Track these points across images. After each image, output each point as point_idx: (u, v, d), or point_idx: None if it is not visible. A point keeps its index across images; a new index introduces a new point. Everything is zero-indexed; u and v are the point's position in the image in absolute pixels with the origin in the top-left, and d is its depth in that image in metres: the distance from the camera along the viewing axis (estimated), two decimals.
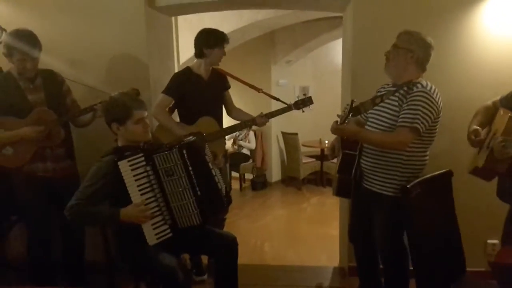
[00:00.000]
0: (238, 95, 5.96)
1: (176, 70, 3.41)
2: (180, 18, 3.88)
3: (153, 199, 2.03)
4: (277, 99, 2.92)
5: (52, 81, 2.55)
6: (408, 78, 2.05)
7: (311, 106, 2.86)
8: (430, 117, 1.99)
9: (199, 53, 2.81)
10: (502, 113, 2.00)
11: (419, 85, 2.02)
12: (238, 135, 6.33)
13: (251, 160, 6.30)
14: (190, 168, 2.06)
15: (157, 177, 2.03)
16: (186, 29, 4.10)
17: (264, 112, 2.81)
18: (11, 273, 2.93)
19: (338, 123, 2.02)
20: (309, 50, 6.29)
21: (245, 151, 6.30)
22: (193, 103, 2.78)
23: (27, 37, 2.36)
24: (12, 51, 2.33)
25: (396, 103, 2.06)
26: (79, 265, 2.72)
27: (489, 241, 2.77)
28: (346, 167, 2.24)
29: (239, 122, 2.90)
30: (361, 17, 2.70)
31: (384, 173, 2.14)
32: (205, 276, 2.98)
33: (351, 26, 2.74)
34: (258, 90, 3.00)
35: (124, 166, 1.96)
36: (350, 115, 1.96)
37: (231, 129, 2.86)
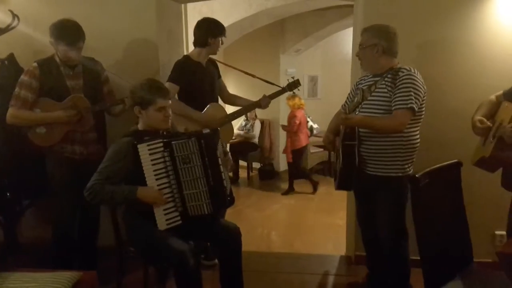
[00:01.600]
0: (234, 84, 6.00)
1: None
2: (190, 6, 3.87)
3: (167, 185, 2.08)
4: (271, 83, 3.06)
5: (92, 69, 2.64)
6: (385, 68, 2.19)
7: (299, 87, 3.08)
8: (420, 96, 2.12)
9: (202, 42, 2.85)
10: (506, 105, 2.05)
11: (404, 70, 2.15)
12: (245, 124, 6.34)
13: (259, 149, 6.31)
14: (206, 159, 2.11)
15: (174, 163, 2.07)
16: (196, 17, 4.09)
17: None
18: (23, 257, 2.99)
19: (347, 112, 2.05)
20: (319, 39, 6.24)
21: (253, 140, 6.32)
22: (197, 90, 2.84)
23: (72, 29, 2.46)
24: (58, 41, 2.43)
25: (386, 90, 2.16)
26: (93, 249, 2.78)
27: (497, 232, 2.77)
28: (348, 158, 2.28)
29: (241, 107, 3.04)
30: (372, 5, 2.68)
31: (387, 156, 2.22)
32: (215, 261, 3.01)
33: (362, 15, 2.71)
34: (253, 76, 3.15)
35: (143, 149, 2.01)
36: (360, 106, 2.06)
37: (238, 113, 3.01)
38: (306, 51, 6.56)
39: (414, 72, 2.14)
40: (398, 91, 2.11)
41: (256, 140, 6.29)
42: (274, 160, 6.50)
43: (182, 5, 3.42)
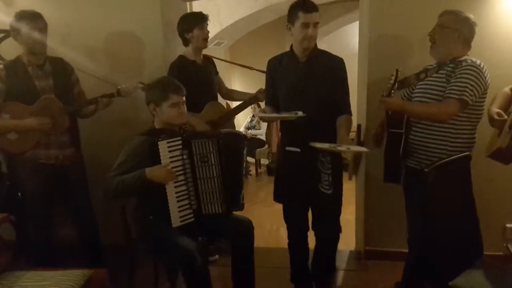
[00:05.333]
0: (239, 80, 5.98)
1: None
2: (195, 4, 3.87)
3: (183, 182, 2.10)
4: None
5: (61, 69, 2.56)
6: (454, 56, 2.05)
7: None
8: (478, 91, 1.97)
9: (184, 40, 2.82)
10: None
11: (468, 60, 2.01)
12: (251, 121, 6.34)
13: (266, 146, 6.31)
14: (224, 159, 2.13)
15: (191, 162, 2.10)
16: None
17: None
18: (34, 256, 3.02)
19: (384, 95, 2.00)
20: (325, 33, 6.19)
21: (261, 136, 6.33)
22: (195, 89, 2.79)
23: (31, 14, 2.38)
24: (19, 29, 2.35)
25: (444, 79, 2.04)
26: (96, 247, 2.77)
27: (508, 225, 2.74)
28: (393, 147, 2.16)
29: (241, 102, 3.01)
30: None
31: (432, 147, 2.09)
32: (216, 256, 3.03)
33: (368, 8, 2.69)
34: (250, 68, 3.13)
35: (163, 146, 2.03)
36: (396, 86, 1.95)
37: (238, 109, 2.97)
38: None
39: (479, 65, 1.99)
40: (456, 79, 1.98)
41: (263, 137, 6.29)
42: None
43: (188, 3, 3.41)
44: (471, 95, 1.95)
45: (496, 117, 2.04)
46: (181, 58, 2.84)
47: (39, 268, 2.01)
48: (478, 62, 2.01)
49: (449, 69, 2.04)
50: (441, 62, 2.09)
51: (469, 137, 2.09)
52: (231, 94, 3.16)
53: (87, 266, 2.26)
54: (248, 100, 2.97)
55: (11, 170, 2.81)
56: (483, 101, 2.06)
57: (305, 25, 2.16)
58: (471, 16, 2.07)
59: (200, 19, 2.78)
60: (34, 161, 2.45)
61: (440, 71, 2.05)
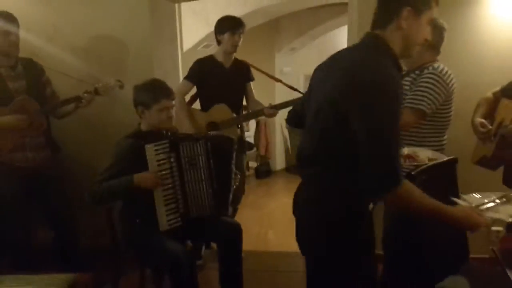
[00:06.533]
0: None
1: (180, 58, 3.42)
2: (183, 5, 3.86)
3: (170, 185, 2.08)
4: (294, 89, 2.97)
5: (32, 70, 2.53)
6: (422, 63, 2.02)
7: None
8: (437, 99, 1.95)
9: (216, 41, 2.87)
10: (506, 103, 2.02)
11: (430, 67, 2.00)
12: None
13: (255, 148, 6.31)
14: (211, 161, 2.11)
15: (179, 164, 2.08)
16: (189, 16, 4.07)
17: (274, 103, 2.89)
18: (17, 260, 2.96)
19: None
20: (314, 37, 6.24)
21: (249, 139, 6.31)
22: (211, 90, 2.83)
23: (6, 15, 2.35)
24: None
25: (408, 88, 2.03)
26: (73, 251, 2.70)
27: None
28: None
29: (247, 112, 3.00)
30: (367, 3, 2.66)
31: None
32: (201, 261, 2.99)
33: (356, 12, 2.71)
34: (277, 80, 3.11)
35: (150, 150, 2.01)
36: None
37: (243, 118, 2.97)
38: (301, 50, 6.56)
39: (441, 72, 1.98)
40: (416, 88, 1.97)
41: (251, 139, 6.29)
42: (270, 160, 6.49)
43: (176, 4, 3.40)
44: (429, 104, 1.93)
45: (480, 128, 2.03)
46: (210, 57, 2.90)
47: (22, 272, 1.97)
48: (441, 68, 1.99)
49: (414, 76, 2.02)
50: (410, 70, 2.08)
51: (437, 144, 2.07)
52: (251, 105, 3.05)
53: (64, 270, 2.23)
54: (253, 112, 2.94)
55: None
56: (448, 107, 2.04)
57: None
58: (439, 21, 2.01)
59: (234, 24, 2.80)
60: (9, 165, 2.39)
61: (406, 78, 2.03)
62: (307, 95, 1.58)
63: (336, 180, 1.37)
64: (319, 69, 1.54)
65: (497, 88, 2.14)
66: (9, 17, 2.37)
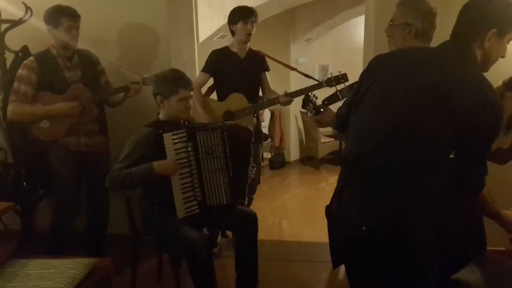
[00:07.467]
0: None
1: (196, 48, 3.44)
2: None
3: (188, 174, 2.12)
4: (310, 77, 2.95)
5: (88, 60, 2.65)
6: None
7: (346, 83, 2.69)
8: None
9: (230, 32, 2.91)
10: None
11: None
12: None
13: (269, 139, 6.31)
14: (228, 151, 2.14)
15: (196, 153, 2.12)
16: (205, 7, 4.08)
17: (289, 91, 2.84)
18: (39, 245, 3.05)
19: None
20: (330, 27, 6.16)
21: (264, 130, 6.32)
22: (227, 80, 2.87)
23: (69, 8, 2.48)
24: (60, 19, 2.43)
25: None
26: (100, 240, 2.82)
27: None
28: None
29: (262, 101, 2.98)
30: None
31: None
32: (216, 249, 3.03)
33: (374, 2, 2.68)
34: (292, 68, 3.09)
35: (168, 138, 2.05)
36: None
37: (259, 107, 2.95)
38: (317, 40, 6.50)
39: None
40: None
41: (266, 130, 6.29)
42: (284, 151, 6.49)
43: None
44: None
45: None
46: (225, 48, 2.94)
47: (44, 256, 2.04)
48: None
49: None
50: None
51: None
52: (267, 95, 3.03)
53: (88, 255, 2.31)
54: (268, 101, 2.92)
55: (16, 160, 2.84)
56: None
57: None
58: (428, 5, 1.80)
59: (246, 12, 2.83)
60: (65, 148, 2.54)
61: None
62: (357, 92, 1.62)
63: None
64: (389, 64, 1.62)
65: (499, 83, 2.09)
66: (74, 13, 2.49)
